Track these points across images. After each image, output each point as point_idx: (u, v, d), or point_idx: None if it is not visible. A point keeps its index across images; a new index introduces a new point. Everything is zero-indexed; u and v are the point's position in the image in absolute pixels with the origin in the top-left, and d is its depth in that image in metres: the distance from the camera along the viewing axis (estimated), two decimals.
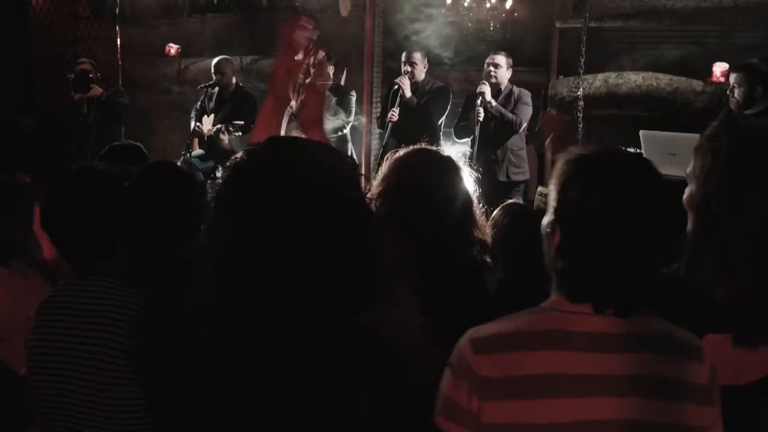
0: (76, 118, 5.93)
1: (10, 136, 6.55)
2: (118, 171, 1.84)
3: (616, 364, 1.22)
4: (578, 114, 5.58)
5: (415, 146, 1.98)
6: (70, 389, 1.66)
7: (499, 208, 2.34)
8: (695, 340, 1.30)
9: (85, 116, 5.84)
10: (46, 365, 1.71)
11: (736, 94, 4.19)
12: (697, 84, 5.84)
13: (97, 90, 5.82)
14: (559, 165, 1.34)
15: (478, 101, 5.24)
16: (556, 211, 1.30)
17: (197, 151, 5.76)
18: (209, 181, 5.24)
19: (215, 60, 5.98)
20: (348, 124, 5.84)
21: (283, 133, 1.60)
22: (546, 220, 1.35)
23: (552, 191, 1.35)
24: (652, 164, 1.31)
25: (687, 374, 1.25)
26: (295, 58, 1.58)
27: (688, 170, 1.59)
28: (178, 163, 5.28)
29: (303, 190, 1.01)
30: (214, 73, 5.87)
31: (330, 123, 5.67)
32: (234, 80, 5.97)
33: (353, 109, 5.93)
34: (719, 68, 5.70)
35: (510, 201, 2.41)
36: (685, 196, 1.60)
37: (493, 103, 5.24)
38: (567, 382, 1.20)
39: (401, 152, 1.94)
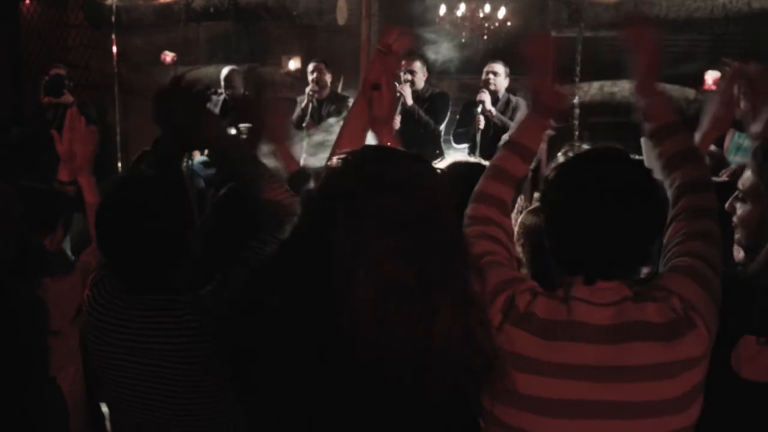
0: (38, 120, 5.87)
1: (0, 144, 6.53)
2: (171, 179, 1.83)
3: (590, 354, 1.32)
4: (574, 121, 5.69)
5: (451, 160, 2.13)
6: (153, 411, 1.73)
7: (526, 211, 2.41)
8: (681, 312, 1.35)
9: (50, 122, 5.79)
10: (125, 384, 1.75)
11: (743, 104, 4.26)
12: (690, 92, 5.97)
13: (68, 97, 5.80)
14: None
15: (479, 109, 5.34)
16: (540, 201, 1.51)
17: (199, 157, 5.76)
18: (212, 189, 5.26)
19: (225, 72, 5.99)
20: None
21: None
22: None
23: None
24: (622, 154, 1.44)
25: (668, 357, 1.33)
26: (395, 63, 1.70)
27: (743, 186, 1.66)
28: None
29: (393, 198, 1.06)
30: (225, 87, 5.88)
31: (324, 134, 5.75)
32: (242, 91, 6.01)
33: None
34: (711, 77, 5.83)
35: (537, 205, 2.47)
36: (740, 213, 1.67)
37: (494, 111, 5.34)
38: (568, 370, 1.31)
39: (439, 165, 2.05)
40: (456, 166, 2.13)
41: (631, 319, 1.33)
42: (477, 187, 1.62)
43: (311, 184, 1.29)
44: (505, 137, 5.32)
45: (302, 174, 2.05)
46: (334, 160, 1.13)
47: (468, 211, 1.58)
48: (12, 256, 1.88)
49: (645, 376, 1.31)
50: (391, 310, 1.02)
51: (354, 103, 1.76)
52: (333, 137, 5.65)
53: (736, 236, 1.79)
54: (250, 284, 1.20)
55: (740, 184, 1.76)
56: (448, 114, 5.78)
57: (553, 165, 1.51)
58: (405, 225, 1.04)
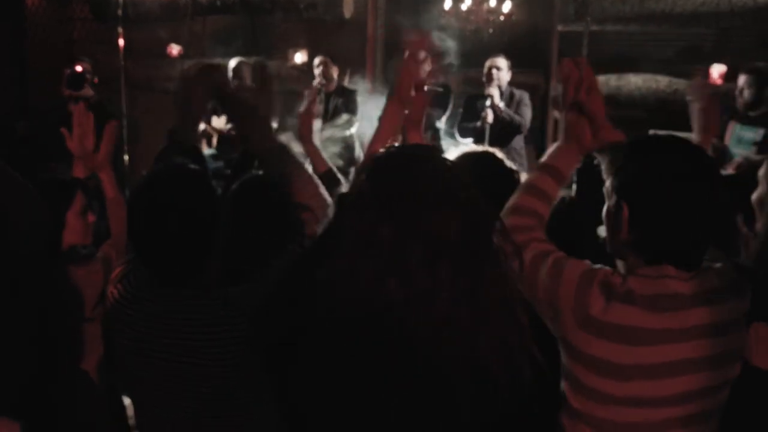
0: (60, 113, 5.92)
1: (3, 138, 6.55)
2: (204, 170, 1.83)
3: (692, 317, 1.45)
4: None
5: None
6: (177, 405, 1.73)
7: None
8: (733, 274, 1.52)
9: (71, 115, 5.82)
10: (148, 377, 1.75)
11: (745, 95, 4.39)
12: None
13: (88, 91, 5.82)
14: (607, 157, 1.57)
15: (487, 102, 5.35)
16: (621, 189, 1.49)
17: (207, 150, 5.78)
18: (220, 181, 5.27)
19: (233, 63, 6.00)
20: (355, 124, 5.91)
21: None
22: (609, 202, 1.53)
23: (607, 178, 1.55)
24: (697, 147, 1.52)
25: (737, 313, 1.50)
26: (420, 68, 1.76)
27: (761, 172, 1.71)
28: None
29: (443, 189, 1.12)
30: (233, 77, 5.89)
31: (333, 129, 5.79)
32: (250, 82, 6.02)
33: (359, 108, 5.99)
34: (716, 70, 5.86)
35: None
36: (755, 196, 1.71)
37: (502, 106, 5.37)
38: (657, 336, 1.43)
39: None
40: (467, 157, 2.15)
41: (707, 287, 1.48)
42: (511, 202, 1.64)
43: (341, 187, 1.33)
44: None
45: (331, 175, 2.07)
46: (381, 151, 1.20)
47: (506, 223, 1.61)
48: (40, 247, 1.91)
49: (722, 332, 1.47)
50: (441, 271, 1.06)
51: (387, 106, 1.82)
52: (341, 133, 5.71)
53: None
54: (293, 271, 1.22)
55: (761, 170, 1.82)
56: (450, 108, 5.77)
57: (613, 157, 1.55)
58: (453, 202, 1.10)
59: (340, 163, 5.69)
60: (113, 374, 2.33)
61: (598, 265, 1.51)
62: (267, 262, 1.64)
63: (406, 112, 1.81)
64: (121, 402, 2.55)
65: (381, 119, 1.80)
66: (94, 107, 5.72)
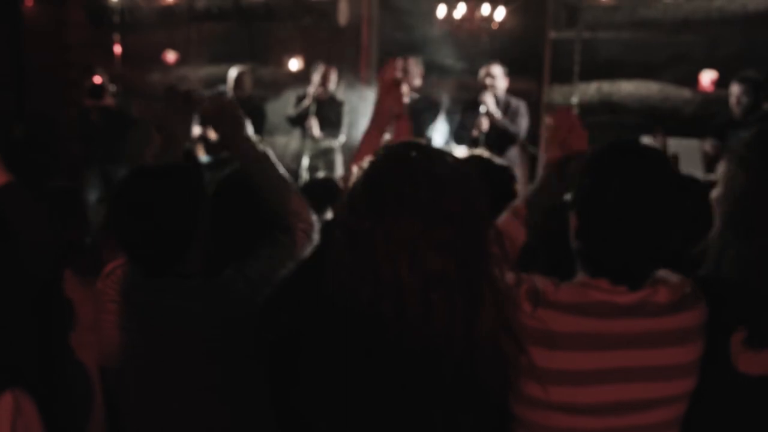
0: (85, 124, 6.05)
1: (1, 142, 6.57)
2: (187, 169, 1.84)
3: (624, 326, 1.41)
4: None
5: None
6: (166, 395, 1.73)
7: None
8: (688, 289, 1.46)
9: (95, 124, 5.95)
10: (139, 370, 1.75)
11: (743, 102, 4.54)
12: (686, 92, 6.08)
13: (109, 100, 5.96)
14: (575, 163, 1.57)
15: (482, 110, 5.38)
16: (574, 200, 1.47)
17: (203, 157, 5.77)
18: None
19: (234, 73, 6.03)
20: (339, 136, 5.97)
21: None
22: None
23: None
24: (663, 156, 1.45)
25: (684, 326, 1.44)
26: (396, 95, 1.75)
27: (718, 173, 1.73)
28: None
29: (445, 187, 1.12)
30: (235, 88, 5.94)
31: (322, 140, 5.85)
32: (249, 93, 6.10)
33: (344, 121, 6.04)
34: (707, 77, 5.94)
35: None
36: (714, 195, 1.73)
37: (498, 114, 5.40)
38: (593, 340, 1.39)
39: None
40: (472, 161, 2.18)
41: (648, 299, 1.43)
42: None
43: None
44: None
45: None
46: (375, 153, 1.18)
47: None
48: (49, 262, 1.97)
49: (662, 344, 1.42)
50: (435, 299, 1.07)
51: (366, 133, 1.77)
52: (326, 144, 5.75)
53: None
54: (290, 277, 1.24)
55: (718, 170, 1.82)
56: (439, 120, 5.74)
57: (584, 161, 1.53)
58: (450, 217, 1.09)
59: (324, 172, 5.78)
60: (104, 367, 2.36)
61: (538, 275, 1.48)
62: (247, 253, 1.67)
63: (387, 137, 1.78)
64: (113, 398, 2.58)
65: (358, 147, 1.75)
66: (115, 115, 5.87)
